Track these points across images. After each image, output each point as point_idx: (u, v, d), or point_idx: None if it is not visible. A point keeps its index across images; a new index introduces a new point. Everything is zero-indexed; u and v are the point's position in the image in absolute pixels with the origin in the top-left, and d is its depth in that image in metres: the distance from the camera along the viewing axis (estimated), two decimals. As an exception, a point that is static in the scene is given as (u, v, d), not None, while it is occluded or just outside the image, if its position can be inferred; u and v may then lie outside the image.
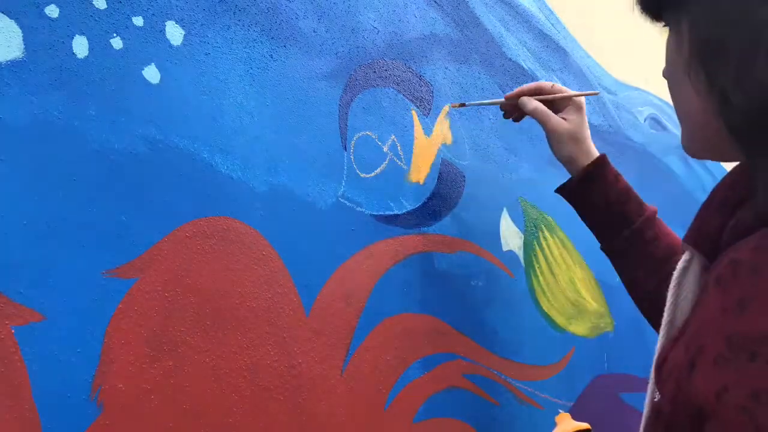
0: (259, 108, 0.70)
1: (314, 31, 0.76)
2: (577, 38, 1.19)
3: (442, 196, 0.89)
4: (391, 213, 0.83)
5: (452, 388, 0.88)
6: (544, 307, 1.03)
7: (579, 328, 1.10)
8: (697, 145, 0.56)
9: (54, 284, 0.55)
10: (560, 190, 0.85)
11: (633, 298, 0.81)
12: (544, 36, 1.11)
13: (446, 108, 0.91)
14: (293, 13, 0.74)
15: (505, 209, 0.99)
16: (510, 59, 1.03)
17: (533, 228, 1.03)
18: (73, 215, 0.56)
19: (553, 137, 0.81)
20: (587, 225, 0.83)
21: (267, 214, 0.70)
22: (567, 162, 0.82)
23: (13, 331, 0.52)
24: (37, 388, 0.53)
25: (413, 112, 0.87)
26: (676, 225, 1.41)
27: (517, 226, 1.01)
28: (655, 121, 1.36)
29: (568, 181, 0.84)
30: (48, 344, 0.54)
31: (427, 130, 0.89)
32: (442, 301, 0.88)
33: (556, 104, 0.83)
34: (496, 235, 0.97)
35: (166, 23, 0.63)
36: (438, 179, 0.89)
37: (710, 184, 1.59)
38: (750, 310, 0.41)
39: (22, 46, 0.54)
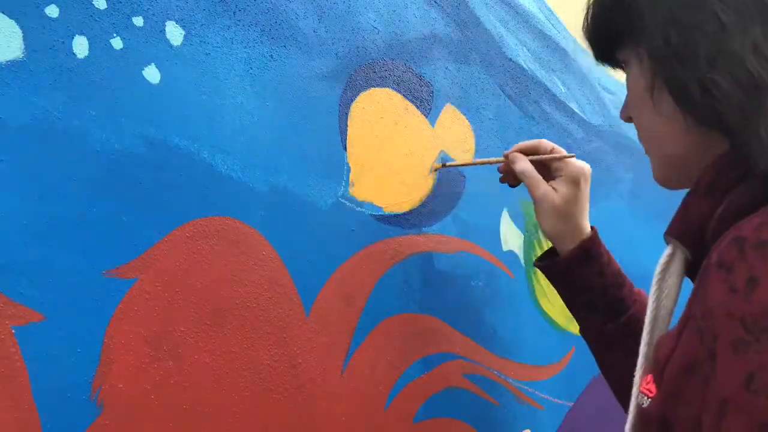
0: (259, 108, 0.70)
1: (314, 31, 0.76)
2: (577, 38, 1.19)
3: (442, 196, 0.89)
4: (391, 213, 0.83)
5: (452, 388, 0.88)
6: (544, 307, 1.03)
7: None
8: (667, 174, 0.57)
9: (54, 284, 0.55)
10: (544, 267, 0.76)
11: (618, 393, 0.73)
12: (544, 36, 1.11)
13: (434, 166, 0.86)
14: (293, 13, 0.74)
15: (505, 209, 0.99)
16: (510, 59, 1.03)
17: (533, 228, 1.03)
18: (73, 215, 0.56)
19: (539, 208, 0.73)
20: (570, 306, 0.76)
21: (267, 214, 0.70)
22: (551, 238, 0.74)
23: (13, 331, 0.52)
24: (37, 388, 0.53)
25: (413, 112, 0.87)
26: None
27: (517, 226, 1.01)
28: (655, 121, 1.36)
29: (553, 256, 0.75)
30: (48, 344, 0.54)
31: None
32: (442, 301, 0.88)
33: (553, 169, 0.75)
34: (496, 235, 0.97)
35: (166, 23, 0.63)
36: (438, 179, 0.89)
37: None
38: (762, 286, 0.39)
39: (22, 46, 0.54)
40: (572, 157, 0.74)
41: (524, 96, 1.05)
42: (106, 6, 0.59)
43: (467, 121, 0.95)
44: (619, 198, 1.24)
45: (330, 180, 0.76)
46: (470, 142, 0.95)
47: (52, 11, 0.56)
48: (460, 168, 0.92)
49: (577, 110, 1.16)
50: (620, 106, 0.61)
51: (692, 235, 0.50)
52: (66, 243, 0.56)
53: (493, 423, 0.93)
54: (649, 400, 0.49)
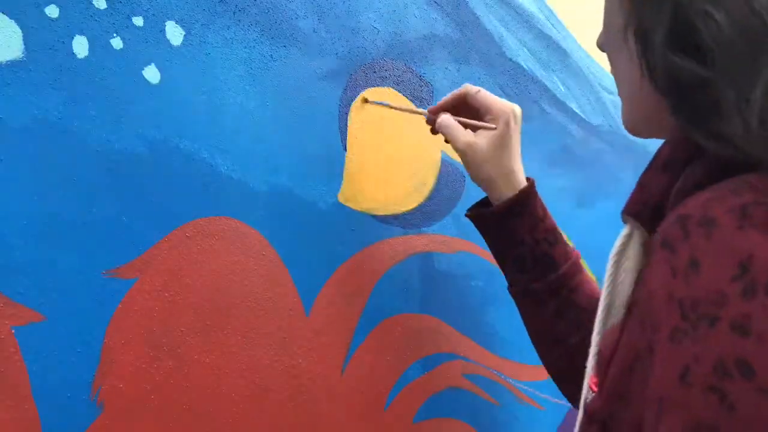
0: (259, 108, 0.70)
1: (314, 31, 0.76)
2: (577, 38, 1.19)
3: (442, 196, 0.89)
4: (391, 213, 0.83)
5: (452, 388, 0.88)
6: (544, 307, 1.03)
7: (579, 328, 1.10)
8: (636, 119, 0.51)
9: (54, 284, 0.55)
10: (475, 217, 0.72)
11: (546, 358, 0.71)
12: (544, 36, 1.11)
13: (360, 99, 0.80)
14: (293, 13, 0.74)
15: (505, 209, 0.99)
16: (510, 59, 1.03)
17: (533, 228, 1.03)
18: (73, 215, 0.56)
19: (465, 159, 0.70)
20: (500, 261, 0.72)
21: (267, 214, 0.70)
22: (484, 186, 0.70)
23: (13, 331, 0.52)
24: (37, 388, 0.53)
25: (413, 112, 0.87)
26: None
27: (517, 226, 1.01)
28: (655, 121, 1.36)
29: (483, 207, 0.72)
30: (48, 344, 0.54)
31: (427, 130, 0.89)
32: (442, 301, 0.88)
33: (481, 111, 0.72)
34: (496, 235, 0.98)
35: (166, 23, 0.63)
36: (438, 179, 0.89)
37: (710, 184, 1.59)
38: (704, 268, 0.35)
39: (22, 46, 0.54)
40: (493, 128, 0.70)
41: (524, 96, 1.05)
42: (106, 6, 0.59)
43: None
44: (619, 198, 1.23)
45: (330, 180, 0.76)
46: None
47: (52, 11, 0.56)
48: (461, 168, 0.92)
49: (577, 110, 1.16)
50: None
51: (650, 213, 0.45)
52: (66, 243, 0.56)
53: (493, 423, 0.93)
54: (593, 395, 0.45)
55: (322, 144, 0.76)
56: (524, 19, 1.07)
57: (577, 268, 0.69)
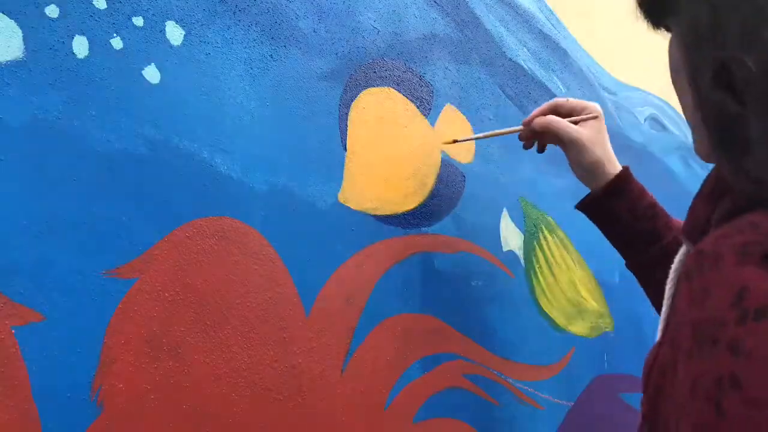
0: (259, 108, 0.70)
1: (314, 31, 0.76)
2: (577, 38, 1.19)
3: (442, 196, 0.89)
4: (391, 213, 0.83)
5: (452, 388, 0.88)
6: (544, 307, 1.03)
7: (579, 328, 1.10)
8: (703, 149, 0.56)
9: (54, 284, 0.55)
10: (582, 206, 0.83)
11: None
12: (544, 36, 1.11)
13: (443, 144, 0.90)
14: (293, 13, 0.74)
15: (505, 209, 0.99)
16: (510, 59, 1.03)
17: (533, 228, 1.03)
18: (73, 215, 0.56)
19: (577, 145, 0.78)
20: (611, 241, 0.82)
21: (267, 214, 0.70)
22: (591, 169, 0.79)
23: (13, 331, 0.52)
24: (37, 388, 0.53)
25: (413, 112, 0.87)
26: (676, 225, 1.41)
27: (517, 226, 1.01)
28: (655, 121, 1.36)
29: (589, 195, 0.82)
30: (48, 344, 0.54)
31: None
32: (442, 301, 0.88)
33: (577, 111, 0.82)
34: (496, 235, 0.97)
35: (166, 23, 0.63)
36: (438, 179, 0.89)
37: (710, 184, 1.59)
38: (711, 296, 0.41)
39: (22, 46, 0.54)
40: (595, 117, 0.80)
41: (524, 96, 1.05)
42: (106, 6, 0.59)
43: (467, 121, 0.95)
44: (619, 198, 1.23)
45: (330, 180, 0.76)
46: (470, 142, 0.95)
47: (52, 11, 0.56)
48: (461, 168, 0.92)
49: (577, 110, 1.16)
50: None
51: (698, 235, 0.52)
52: (66, 243, 0.56)
53: (493, 423, 0.93)
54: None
55: (322, 144, 0.76)
56: (524, 19, 1.07)
57: (679, 239, 0.78)
